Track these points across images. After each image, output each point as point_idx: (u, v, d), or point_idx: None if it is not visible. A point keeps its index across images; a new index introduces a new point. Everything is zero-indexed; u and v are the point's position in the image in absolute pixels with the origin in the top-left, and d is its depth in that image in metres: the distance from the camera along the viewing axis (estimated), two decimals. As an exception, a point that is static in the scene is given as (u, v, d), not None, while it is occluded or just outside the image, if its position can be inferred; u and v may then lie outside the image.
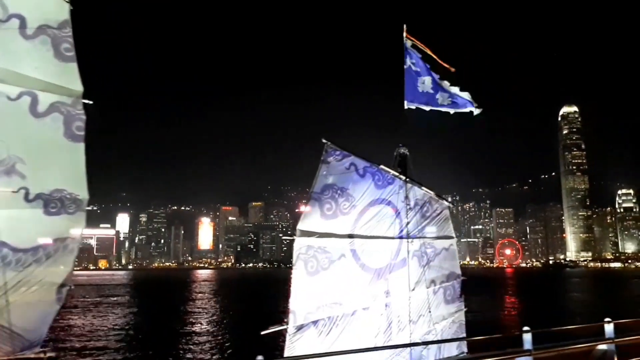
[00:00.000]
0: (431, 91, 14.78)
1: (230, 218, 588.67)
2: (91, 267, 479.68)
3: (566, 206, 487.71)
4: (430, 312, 14.18)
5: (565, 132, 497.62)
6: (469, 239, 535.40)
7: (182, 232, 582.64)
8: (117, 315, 57.76)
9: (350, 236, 12.58)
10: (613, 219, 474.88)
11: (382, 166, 13.58)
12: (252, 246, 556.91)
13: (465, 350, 13.93)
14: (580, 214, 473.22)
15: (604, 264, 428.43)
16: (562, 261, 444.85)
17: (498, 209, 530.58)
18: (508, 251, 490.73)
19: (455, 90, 14.97)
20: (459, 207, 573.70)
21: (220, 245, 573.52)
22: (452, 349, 14.19)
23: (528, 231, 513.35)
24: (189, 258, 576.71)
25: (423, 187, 14.75)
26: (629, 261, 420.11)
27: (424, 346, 13.43)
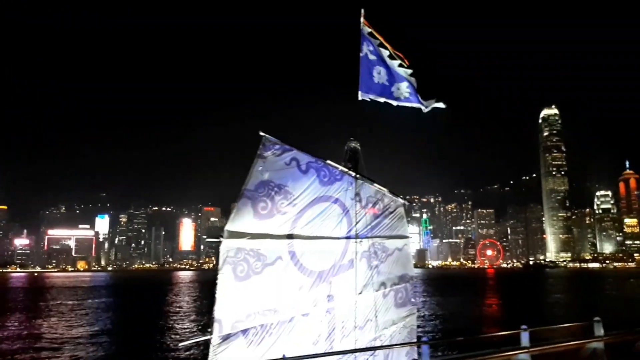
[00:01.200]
0: (387, 83, 13.94)
1: (212, 219, 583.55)
2: (69, 269, 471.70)
3: (546, 207, 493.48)
4: (377, 316, 13.34)
5: (545, 134, 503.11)
6: (450, 240, 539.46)
7: (163, 233, 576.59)
8: (89, 320, 55.87)
9: (289, 237, 11.63)
10: (592, 220, 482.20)
11: (328, 161, 12.70)
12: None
13: (416, 356, 13.10)
14: (560, 215, 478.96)
15: (582, 264, 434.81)
16: (542, 262, 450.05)
17: (479, 210, 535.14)
18: (489, 252, 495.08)
19: (413, 83, 14.19)
20: (442, 208, 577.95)
21: (202, 247, 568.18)
22: (401, 356, 13.36)
23: (509, 232, 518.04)
24: (170, 259, 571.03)
25: (375, 184, 13.90)
26: (607, 262, 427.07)
27: (371, 353, 12.58)
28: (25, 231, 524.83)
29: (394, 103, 13.92)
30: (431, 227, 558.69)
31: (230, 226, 10.75)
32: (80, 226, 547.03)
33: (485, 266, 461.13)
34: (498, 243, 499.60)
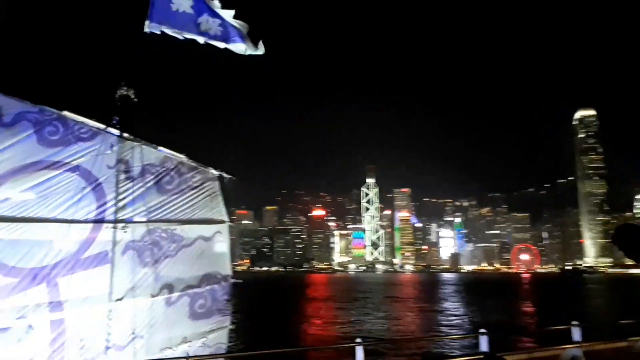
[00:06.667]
0: (190, 11, 10.17)
1: (244, 222, 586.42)
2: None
3: (584, 211, 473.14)
4: (153, 332, 9.54)
5: (581, 135, 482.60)
6: (484, 244, 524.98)
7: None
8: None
9: None
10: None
11: (65, 112, 9.02)
12: (266, 250, 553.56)
13: None
14: (598, 219, 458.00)
15: (624, 270, 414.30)
16: (580, 267, 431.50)
17: (514, 214, 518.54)
18: (525, 256, 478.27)
19: (228, 16, 10.39)
20: (476, 212, 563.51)
21: (236, 249, 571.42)
22: None
23: (545, 236, 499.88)
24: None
25: (162, 148, 10.15)
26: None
27: None
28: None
29: (200, 39, 10.15)
30: (465, 231, 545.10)
31: None
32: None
33: (521, 271, 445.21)
34: (534, 247, 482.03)
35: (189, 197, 10.43)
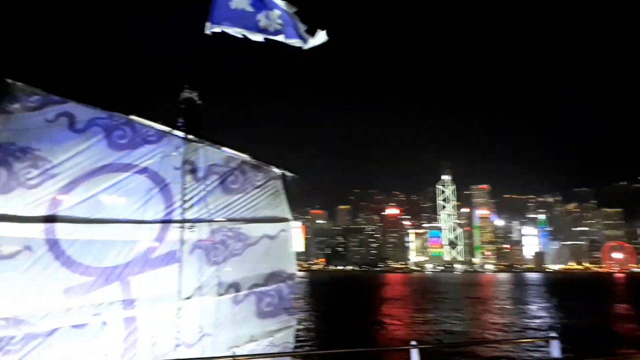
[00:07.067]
0: (250, 9, 10.20)
1: (318, 221, 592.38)
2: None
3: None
4: (220, 331, 9.63)
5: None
6: (571, 242, 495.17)
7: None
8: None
9: (49, 220, 8.42)
10: None
11: (133, 117, 9.32)
12: (341, 249, 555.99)
13: None
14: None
15: None
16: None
17: (604, 209, 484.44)
18: (617, 255, 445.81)
19: (288, 9, 10.34)
20: (561, 208, 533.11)
21: (312, 248, 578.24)
22: None
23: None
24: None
25: (225, 148, 10.25)
26: None
27: None
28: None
29: (259, 38, 10.18)
30: (549, 229, 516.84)
31: None
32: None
33: (614, 270, 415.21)
34: (628, 245, 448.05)
35: (253, 195, 10.48)
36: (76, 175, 8.64)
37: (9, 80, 8.36)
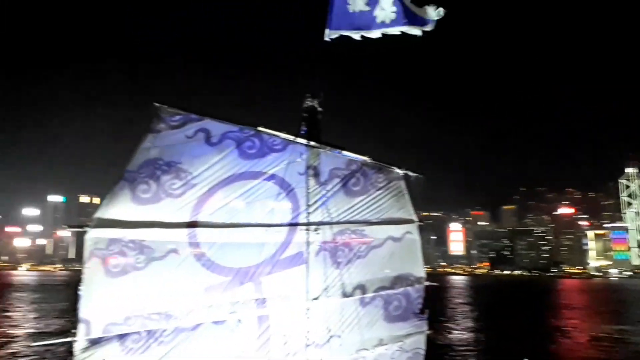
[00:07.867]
0: (366, 8, 10.28)
1: (480, 223, 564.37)
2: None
3: None
4: (348, 332, 9.76)
5: None
6: None
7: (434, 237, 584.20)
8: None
9: (191, 225, 9.42)
10: None
11: (260, 128, 9.99)
12: (507, 252, 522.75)
13: None
14: None
15: None
16: None
17: None
18: None
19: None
20: None
21: (473, 251, 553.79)
22: None
23: None
24: (443, 263, 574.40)
25: (346, 152, 10.41)
26: None
27: None
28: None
29: (376, 34, 10.24)
30: None
31: (100, 213, 9.25)
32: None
33: None
34: None
35: (375, 197, 10.49)
36: (213, 184, 9.57)
37: (157, 104, 9.59)
